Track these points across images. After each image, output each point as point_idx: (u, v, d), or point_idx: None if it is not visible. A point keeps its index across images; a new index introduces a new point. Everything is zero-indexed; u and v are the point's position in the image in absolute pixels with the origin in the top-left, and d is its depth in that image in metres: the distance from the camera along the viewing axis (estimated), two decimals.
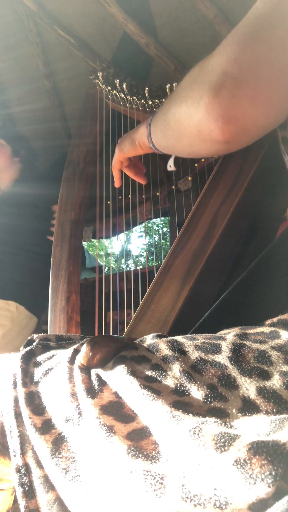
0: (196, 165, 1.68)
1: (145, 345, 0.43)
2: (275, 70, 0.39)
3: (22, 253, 1.64)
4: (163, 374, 0.36)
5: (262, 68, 0.39)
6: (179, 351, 0.39)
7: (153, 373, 0.37)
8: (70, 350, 0.45)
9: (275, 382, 0.33)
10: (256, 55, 0.40)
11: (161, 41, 2.28)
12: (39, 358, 0.47)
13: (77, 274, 1.39)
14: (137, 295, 0.90)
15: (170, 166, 0.78)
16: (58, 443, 0.34)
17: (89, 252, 5.71)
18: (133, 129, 0.71)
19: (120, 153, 0.74)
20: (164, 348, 0.40)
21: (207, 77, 0.43)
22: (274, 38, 0.39)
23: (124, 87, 1.04)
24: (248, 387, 0.33)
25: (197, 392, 0.33)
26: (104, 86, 1.14)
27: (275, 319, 0.43)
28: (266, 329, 0.42)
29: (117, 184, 0.80)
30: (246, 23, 0.42)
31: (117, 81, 1.06)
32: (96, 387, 0.37)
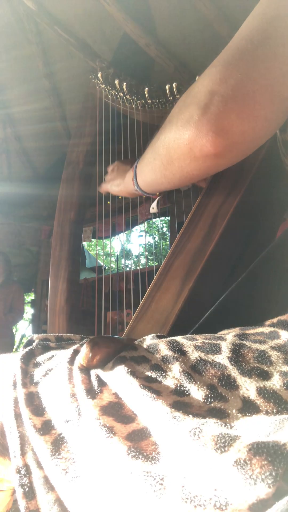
0: None
1: (145, 346, 0.43)
2: (260, 86, 0.42)
3: None
4: (163, 374, 0.36)
5: (246, 84, 0.42)
6: (179, 351, 0.39)
7: (153, 373, 0.37)
8: (70, 350, 0.45)
9: (275, 382, 0.33)
10: (240, 73, 0.42)
11: (161, 41, 2.28)
12: (39, 359, 0.47)
13: (77, 274, 1.39)
14: (137, 295, 0.90)
15: (153, 208, 0.78)
16: (58, 443, 0.34)
17: (89, 252, 5.72)
18: (122, 170, 0.75)
19: (108, 190, 0.80)
20: (164, 349, 0.40)
21: (195, 98, 0.46)
22: (257, 57, 0.42)
23: (124, 87, 1.04)
24: (248, 387, 0.33)
25: (197, 393, 0.33)
26: (103, 86, 1.14)
27: (274, 320, 0.43)
28: (265, 329, 0.42)
29: (102, 191, 0.86)
30: (231, 46, 0.45)
31: (116, 81, 1.06)
32: (96, 388, 0.37)
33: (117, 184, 0.75)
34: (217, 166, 0.51)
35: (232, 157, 0.48)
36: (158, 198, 0.75)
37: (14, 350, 4.15)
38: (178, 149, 0.49)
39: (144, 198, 0.83)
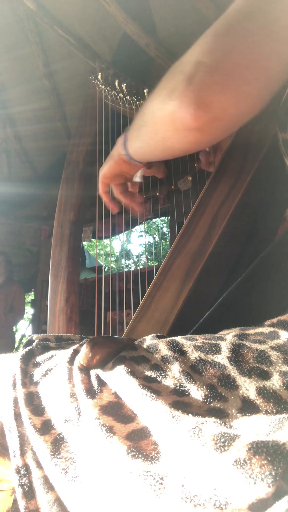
0: (196, 165, 1.69)
1: (145, 346, 0.43)
2: (247, 60, 0.41)
3: None
4: (163, 374, 0.36)
5: (234, 57, 0.41)
6: (179, 351, 0.39)
7: (153, 373, 0.37)
8: (70, 350, 0.45)
9: (275, 382, 0.33)
10: (229, 45, 0.42)
11: (161, 41, 2.28)
12: (39, 359, 0.47)
13: (77, 275, 1.39)
14: (136, 295, 0.90)
15: (137, 176, 0.76)
16: (57, 443, 0.34)
17: (89, 252, 5.72)
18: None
19: (101, 174, 0.73)
20: (163, 349, 0.40)
21: (182, 67, 0.45)
22: (247, 30, 0.41)
23: (124, 87, 1.04)
24: (248, 387, 0.33)
25: (196, 392, 0.33)
26: (103, 86, 1.14)
27: (274, 320, 0.43)
28: (265, 330, 0.42)
29: (113, 210, 0.78)
30: (222, 18, 0.44)
31: (116, 82, 1.06)
32: (96, 388, 0.37)
33: (108, 158, 0.70)
34: (199, 142, 0.49)
35: (213, 132, 0.47)
36: (142, 168, 0.74)
37: (14, 350, 4.15)
38: (162, 119, 0.48)
39: (144, 198, 0.83)
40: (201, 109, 0.42)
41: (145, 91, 1.00)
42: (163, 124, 0.48)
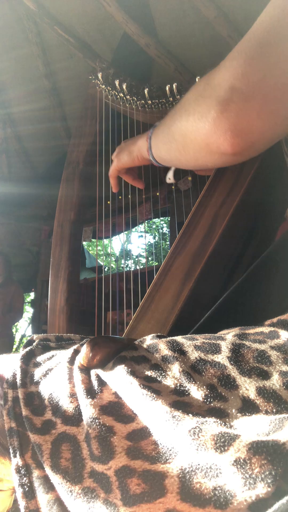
0: None
1: (145, 346, 0.43)
2: (281, 84, 0.40)
3: None
4: (163, 374, 0.36)
5: (269, 82, 0.40)
6: (179, 351, 0.39)
7: (153, 373, 0.37)
8: (70, 350, 0.45)
9: (275, 382, 0.33)
10: (263, 70, 0.40)
11: (161, 41, 2.28)
12: (39, 359, 0.47)
13: (77, 274, 1.39)
14: (137, 295, 0.90)
15: (170, 178, 0.77)
16: (58, 443, 0.34)
17: (89, 252, 5.72)
18: (132, 140, 0.72)
19: (118, 164, 0.75)
20: (163, 348, 0.40)
21: (214, 91, 0.43)
22: (280, 52, 0.40)
23: (124, 87, 1.04)
24: (248, 387, 0.33)
25: (196, 392, 0.33)
26: (104, 86, 1.14)
27: (274, 319, 0.43)
28: (265, 329, 0.42)
29: (115, 189, 0.82)
30: (251, 38, 0.42)
31: (117, 82, 1.06)
32: (96, 388, 0.37)
33: (128, 153, 0.71)
34: (234, 162, 0.49)
35: (248, 155, 0.47)
36: (174, 168, 0.74)
37: (14, 350, 4.16)
38: (194, 140, 0.47)
39: (144, 199, 0.83)
40: (239, 136, 0.42)
41: (145, 91, 1.00)
42: (195, 146, 0.48)
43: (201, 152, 0.48)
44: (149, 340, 0.44)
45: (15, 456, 0.36)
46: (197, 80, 0.94)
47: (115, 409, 0.34)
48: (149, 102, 1.02)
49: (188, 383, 0.34)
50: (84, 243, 5.00)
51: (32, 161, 3.60)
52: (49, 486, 0.33)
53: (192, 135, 0.47)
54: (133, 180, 0.80)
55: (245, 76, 0.41)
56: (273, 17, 0.41)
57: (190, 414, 0.30)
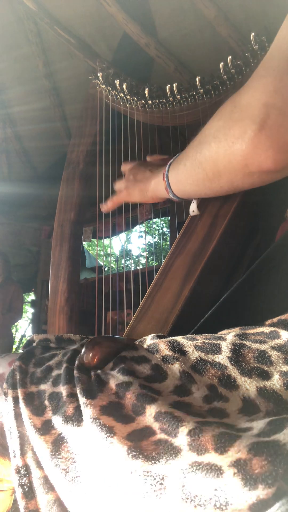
0: None
1: (145, 346, 0.43)
2: None
3: None
4: (163, 374, 0.36)
5: None
6: (179, 351, 0.39)
7: (153, 373, 0.37)
8: (70, 350, 0.45)
9: (275, 382, 0.33)
10: None
11: (161, 41, 2.28)
12: (39, 359, 0.47)
13: (77, 274, 1.39)
14: (137, 295, 0.90)
15: (194, 211, 0.74)
16: (57, 443, 0.34)
17: (89, 252, 5.72)
18: (141, 175, 0.71)
19: (128, 199, 0.75)
20: (164, 349, 0.40)
21: (246, 112, 0.43)
22: None
23: (124, 87, 1.04)
24: (248, 387, 0.33)
25: (197, 392, 0.33)
26: (104, 86, 1.14)
27: (275, 319, 0.43)
28: (266, 329, 0.42)
29: (107, 211, 0.81)
30: (278, 54, 0.43)
31: (117, 82, 1.06)
32: (96, 388, 0.37)
33: (139, 191, 0.71)
34: (273, 179, 0.49)
35: None
36: (198, 200, 0.72)
37: (14, 350, 4.15)
38: (229, 164, 0.47)
39: None
40: (281, 151, 0.42)
41: (146, 91, 1.00)
42: (230, 169, 0.48)
43: (238, 174, 0.48)
44: (149, 340, 0.44)
45: (15, 456, 0.36)
46: (197, 80, 0.94)
47: (115, 409, 0.34)
48: (149, 102, 1.02)
49: (189, 383, 0.34)
50: (84, 243, 5.00)
51: (32, 161, 3.60)
52: (49, 487, 0.33)
53: (226, 160, 0.47)
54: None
55: (278, 92, 0.41)
56: None
57: (190, 415, 0.30)
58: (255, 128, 0.42)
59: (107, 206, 0.80)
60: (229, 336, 0.41)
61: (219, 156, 0.48)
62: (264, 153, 0.42)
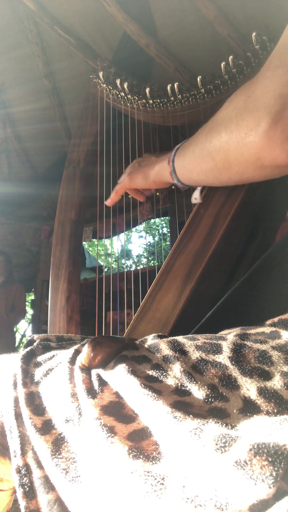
0: None
1: (146, 346, 0.43)
2: None
3: None
4: (164, 374, 0.36)
5: None
6: (180, 351, 0.39)
7: (154, 373, 0.37)
8: (71, 350, 0.45)
9: (276, 382, 0.33)
10: None
11: (161, 41, 2.28)
12: (40, 359, 0.47)
13: (77, 274, 1.39)
14: (137, 295, 0.90)
15: (196, 198, 0.73)
16: (58, 443, 0.34)
17: (89, 252, 5.73)
18: (147, 161, 0.70)
19: (131, 185, 0.73)
20: (164, 348, 0.40)
21: (261, 102, 0.42)
22: None
23: (125, 86, 1.04)
24: (249, 387, 0.33)
25: (198, 392, 0.33)
26: (105, 85, 1.14)
27: (275, 319, 0.43)
28: (266, 329, 0.42)
29: (111, 204, 0.81)
30: (286, 46, 0.42)
31: (118, 81, 1.06)
32: (97, 388, 0.37)
33: (143, 176, 0.69)
34: (285, 173, 0.47)
35: None
36: (201, 188, 0.71)
37: (14, 350, 4.15)
38: (240, 157, 0.46)
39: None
40: None
41: (147, 90, 1.00)
42: (242, 161, 0.46)
43: (249, 167, 0.46)
44: (150, 340, 0.44)
45: (15, 456, 0.36)
46: (198, 79, 0.94)
47: (116, 409, 0.34)
48: (150, 101, 1.02)
49: (189, 383, 0.34)
50: (84, 243, 5.01)
51: (32, 161, 3.61)
52: (50, 486, 0.33)
53: (238, 152, 0.45)
54: (136, 193, 0.79)
55: None
56: None
57: (191, 415, 0.30)
58: (269, 119, 0.40)
59: (111, 199, 0.79)
60: (230, 336, 0.41)
61: (231, 148, 0.46)
62: (279, 146, 0.41)
